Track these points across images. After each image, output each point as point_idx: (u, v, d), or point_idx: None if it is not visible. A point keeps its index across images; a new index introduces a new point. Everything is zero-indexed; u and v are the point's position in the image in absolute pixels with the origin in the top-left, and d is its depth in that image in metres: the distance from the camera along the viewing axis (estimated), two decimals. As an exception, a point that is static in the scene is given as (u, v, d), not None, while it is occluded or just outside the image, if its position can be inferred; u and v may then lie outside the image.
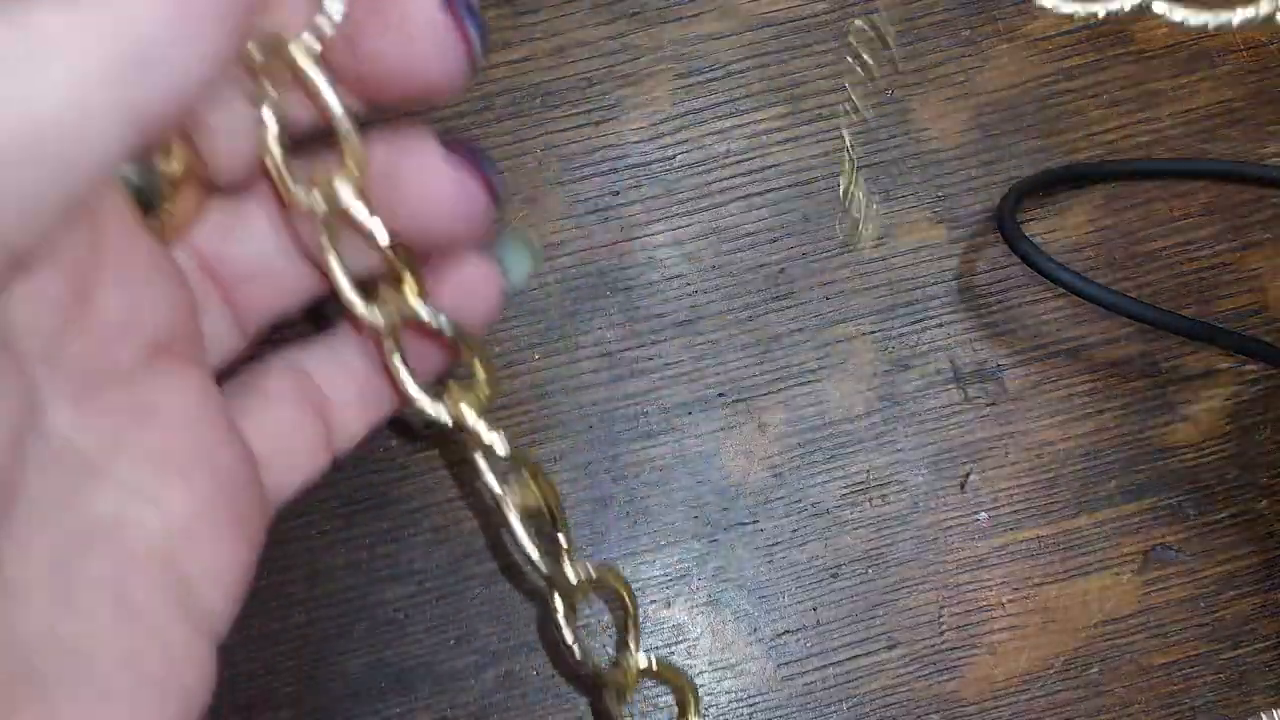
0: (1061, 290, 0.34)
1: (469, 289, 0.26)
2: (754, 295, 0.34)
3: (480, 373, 0.26)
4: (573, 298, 0.34)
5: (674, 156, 0.35)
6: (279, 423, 0.25)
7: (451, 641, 0.32)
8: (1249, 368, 0.34)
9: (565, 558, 0.29)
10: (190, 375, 0.22)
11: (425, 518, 0.33)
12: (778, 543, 0.33)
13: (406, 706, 0.32)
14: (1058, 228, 0.35)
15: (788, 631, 0.32)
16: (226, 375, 0.25)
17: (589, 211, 0.35)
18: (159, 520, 0.21)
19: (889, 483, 0.33)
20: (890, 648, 0.32)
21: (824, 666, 0.32)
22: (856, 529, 0.33)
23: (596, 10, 0.35)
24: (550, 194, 0.35)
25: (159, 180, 0.22)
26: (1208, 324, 0.33)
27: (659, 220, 0.35)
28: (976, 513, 0.33)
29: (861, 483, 0.33)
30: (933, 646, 0.32)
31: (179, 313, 0.22)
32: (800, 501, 0.33)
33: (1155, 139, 0.35)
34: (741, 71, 0.35)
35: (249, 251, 0.24)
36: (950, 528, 0.33)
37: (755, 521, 0.33)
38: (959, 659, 0.32)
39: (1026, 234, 0.32)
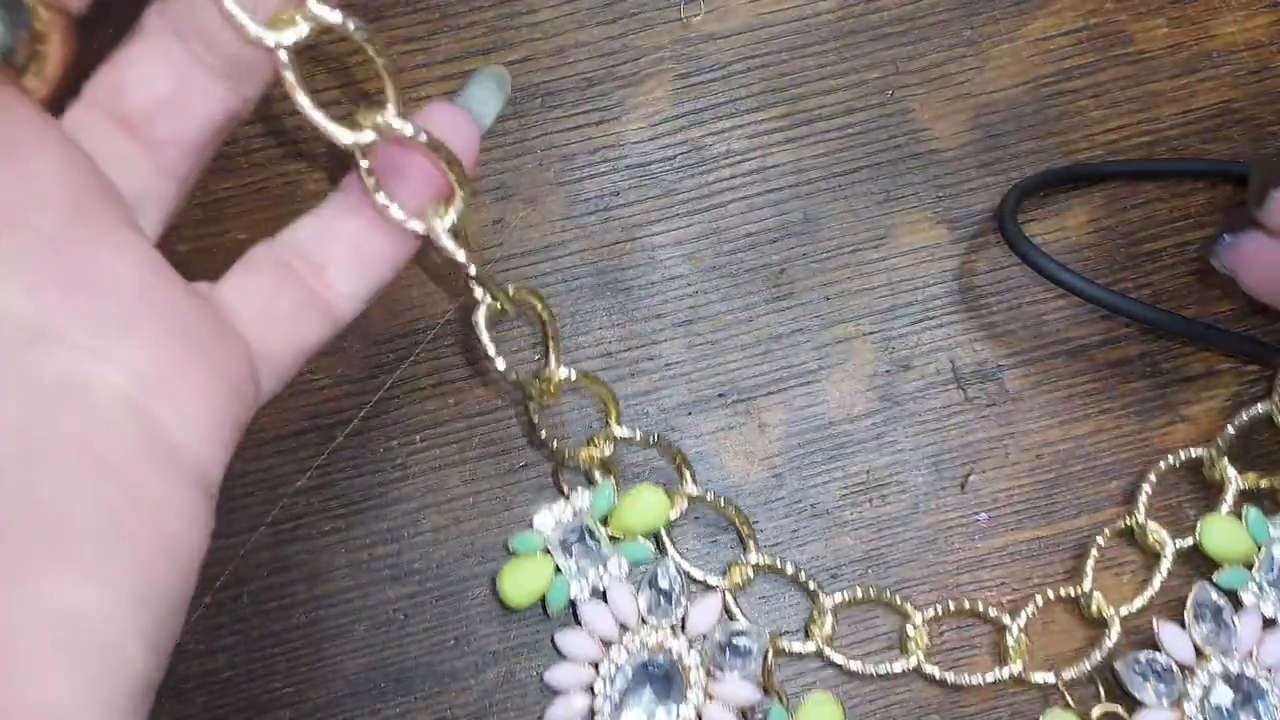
0: (1062, 291, 0.34)
1: (441, 134, 0.26)
2: (754, 295, 0.34)
3: (457, 188, 0.26)
4: (573, 298, 0.34)
5: (674, 156, 0.35)
6: (257, 287, 0.25)
7: (451, 641, 0.32)
8: (1249, 368, 0.34)
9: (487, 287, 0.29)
10: (123, 236, 0.23)
11: (425, 518, 0.33)
12: (778, 543, 0.33)
13: (406, 706, 0.32)
14: (1058, 228, 0.35)
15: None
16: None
17: (589, 211, 0.35)
18: (120, 375, 0.21)
19: (889, 483, 0.33)
20: (890, 647, 0.32)
21: (824, 667, 0.32)
22: (856, 529, 0.33)
23: (596, 10, 0.36)
24: (550, 194, 0.35)
25: (21, 36, 0.23)
26: (1208, 324, 0.33)
27: (659, 220, 0.35)
28: (976, 513, 0.33)
29: (861, 483, 0.33)
30: (933, 646, 0.32)
31: (80, 173, 0.22)
32: (800, 502, 0.33)
33: (1155, 139, 0.35)
34: (741, 71, 0.35)
35: (144, 84, 0.24)
36: (950, 528, 0.33)
37: (755, 522, 0.33)
38: (959, 659, 0.32)
39: (1027, 234, 0.32)
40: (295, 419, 0.33)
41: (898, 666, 0.32)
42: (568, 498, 0.32)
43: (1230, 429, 0.32)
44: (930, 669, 0.32)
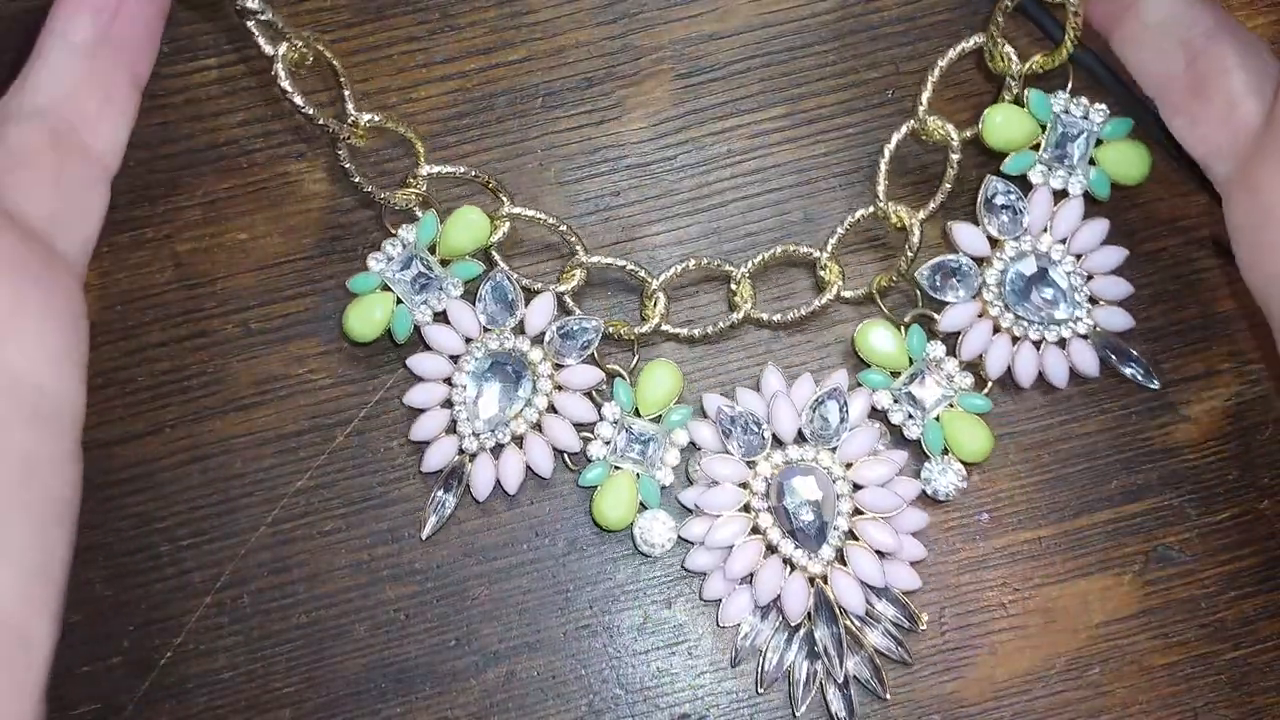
0: (1062, 290, 0.34)
1: None
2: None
3: None
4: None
5: (674, 156, 0.35)
6: (40, 184, 0.25)
7: (451, 641, 0.32)
8: (1250, 367, 0.34)
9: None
10: None
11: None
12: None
13: (406, 706, 0.32)
14: (1058, 228, 0.35)
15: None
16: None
17: (589, 211, 0.35)
18: None
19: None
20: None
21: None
22: None
23: (596, 10, 0.36)
24: (550, 194, 0.35)
25: None
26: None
27: (659, 220, 0.35)
28: (977, 513, 0.33)
29: None
30: (933, 646, 0.32)
31: None
32: (801, 502, 0.33)
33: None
34: (741, 72, 0.35)
35: None
36: (950, 528, 0.33)
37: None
38: (960, 659, 0.32)
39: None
40: (295, 419, 0.33)
41: (734, 319, 0.33)
42: (395, 235, 0.33)
43: (999, 17, 0.32)
44: (759, 314, 0.33)
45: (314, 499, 0.33)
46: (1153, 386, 0.33)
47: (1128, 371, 0.33)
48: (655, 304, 0.33)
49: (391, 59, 0.35)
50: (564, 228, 0.33)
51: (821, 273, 0.33)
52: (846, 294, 0.33)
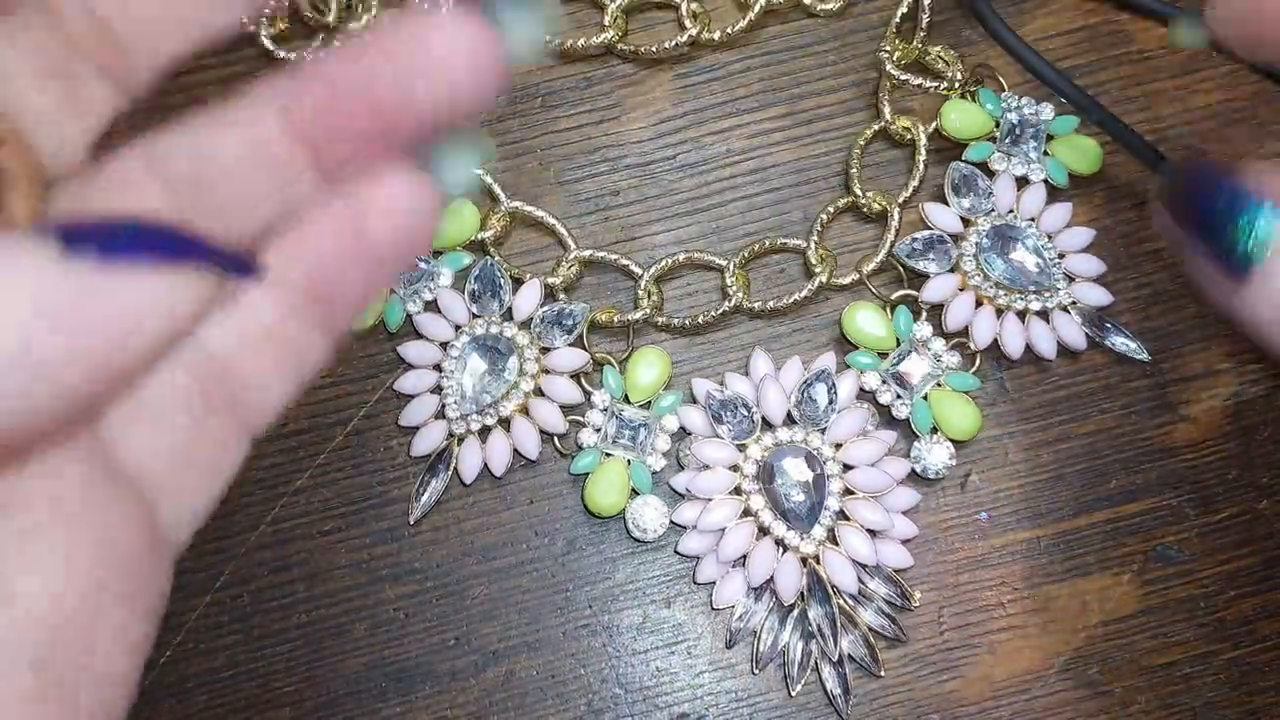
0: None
1: (398, 205, 0.19)
2: (753, 295, 0.34)
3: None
4: (572, 297, 0.34)
5: (674, 156, 0.35)
6: (173, 443, 0.20)
7: (451, 641, 0.32)
8: (1249, 367, 0.34)
9: None
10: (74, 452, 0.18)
11: (425, 518, 0.33)
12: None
13: (406, 706, 0.32)
14: (1058, 228, 0.35)
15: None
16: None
17: (589, 211, 0.35)
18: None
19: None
20: (890, 647, 0.32)
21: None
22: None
23: (596, 11, 0.36)
24: (550, 194, 0.35)
25: None
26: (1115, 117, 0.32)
27: (658, 220, 0.35)
28: (976, 513, 0.33)
29: None
30: (933, 646, 0.32)
31: None
32: (800, 501, 0.33)
33: (1155, 139, 0.35)
34: (741, 71, 0.35)
35: None
36: (950, 528, 0.33)
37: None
38: (959, 659, 0.32)
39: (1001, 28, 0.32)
40: (295, 418, 0.33)
41: (725, 307, 0.33)
42: None
43: (884, 99, 0.35)
44: (752, 304, 0.34)
45: (313, 498, 0.33)
46: (1142, 359, 0.33)
47: (1116, 343, 0.33)
48: (649, 295, 0.34)
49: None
50: (555, 223, 0.33)
51: (810, 261, 0.34)
52: (835, 280, 0.34)
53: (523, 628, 0.32)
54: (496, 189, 0.34)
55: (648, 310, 0.33)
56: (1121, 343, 0.33)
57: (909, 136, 0.35)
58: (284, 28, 0.35)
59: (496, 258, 0.34)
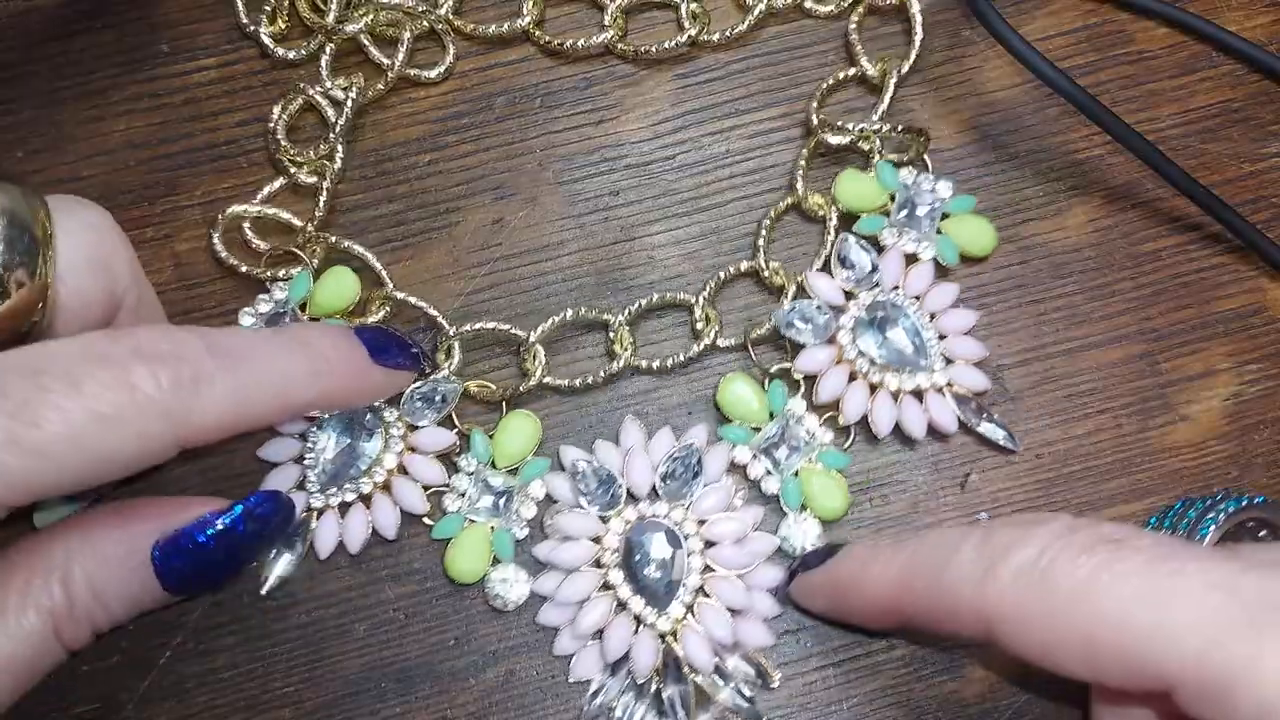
0: (1062, 290, 0.34)
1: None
2: (754, 295, 0.34)
3: None
4: (573, 298, 0.34)
5: (674, 156, 0.35)
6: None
7: (451, 641, 0.32)
8: (1249, 367, 0.34)
9: None
10: None
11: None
12: (778, 543, 0.33)
13: (406, 706, 0.32)
14: (1058, 228, 0.35)
15: (788, 631, 0.32)
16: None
17: (589, 211, 0.35)
18: None
19: (889, 483, 0.33)
20: (890, 648, 0.32)
21: (824, 666, 0.32)
22: (857, 529, 0.33)
23: (595, 11, 0.36)
24: (550, 194, 0.35)
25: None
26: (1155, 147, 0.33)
27: (659, 220, 0.35)
28: (976, 513, 0.33)
29: (861, 483, 0.33)
30: (933, 646, 0.32)
31: None
32: (800, 501, 0.33)
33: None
34: (741, 71, 0.35)
35: None
36: (950, 528, 0.33)
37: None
38: (959, 659, 0.32)
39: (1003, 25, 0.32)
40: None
41: (613, 367, 0.33)
42: (269, 292, 0.33)
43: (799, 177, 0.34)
44: (639, 362, 0.33)
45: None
46: (1014, 449, 0.33)
47: (987, 430, 0.33)
48: (535, 357, 0.33)
49: (391, 59, 0.35)
50: (432, 311, 0.33)
51: (698, 322, 0.33)
52: (721, 342, 0.33)
53: (523, 628, 0.32)
54: (383, 274, 0.33)
55: (534, 378, 0.33)
56: (992, 430, 0.33)
57: (820, 214, 0.34)
58: (284, 26, 0.36)
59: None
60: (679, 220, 0.35)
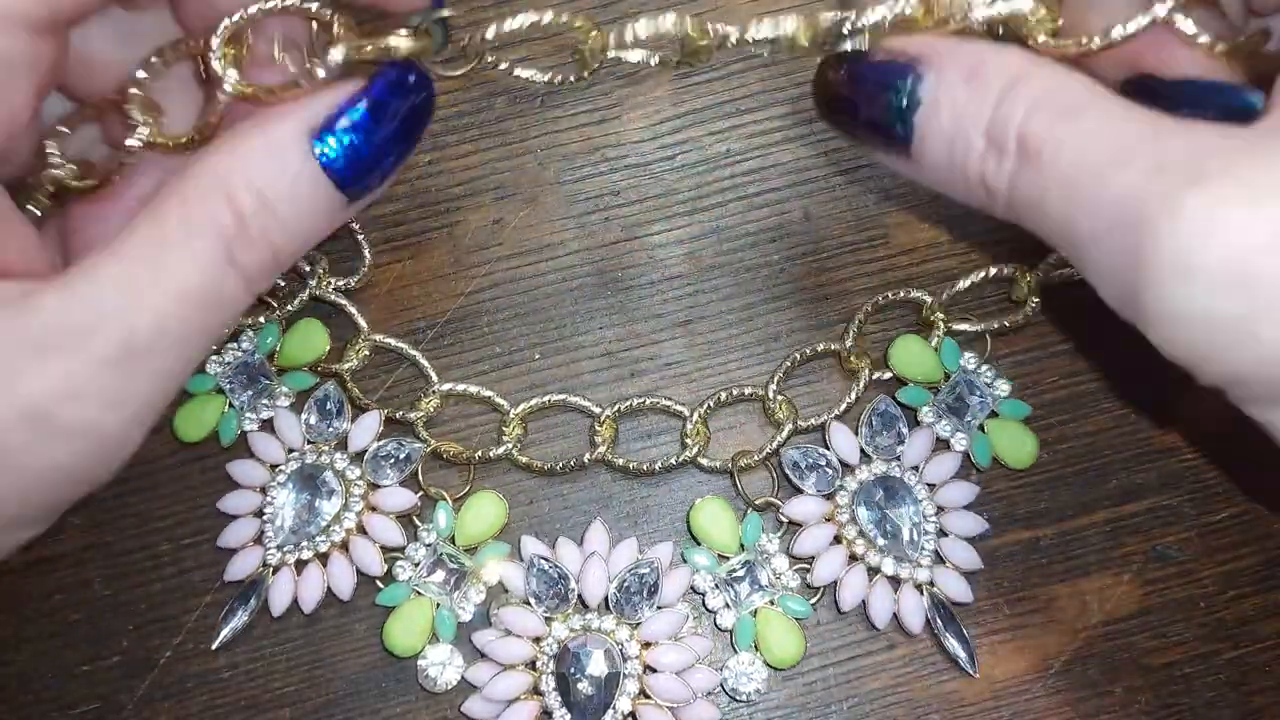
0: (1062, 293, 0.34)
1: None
2: (754, 295, 0.34)
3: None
4: (573, 298, 0.34)
5: (674, 156, 0.35)
6: None
7: (451, 641, 0.32)
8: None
9: None
10: None
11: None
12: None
13: (406, 706, 0.32)
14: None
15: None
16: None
17: (589, 211, 0.35)
18: None
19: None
20: (890, 648, 0.32)
21: (824, 666, 0.32)
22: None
23: (596, 10, 0.36)
24: (550, 194, 0.35)
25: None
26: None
27: (659, 220, 0.35)
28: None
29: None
30: (933, 646, 0.32)
31: None
32: (800, 501, 0.33)
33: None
34: (741, 71, 0.35)
35: None
36: (950, 528, 0.33)
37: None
38: (959, 659, 0.32)
39: None
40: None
41: (586, 458, 0.33)
42: (237, 341, 0.33)
43: (960, 284, 0.34)
44: (615, 459, 0.33)
45: (314, 498, 0.33)
46: (972, 674, 0.32)
47: (950, 644, 0.32)
48: (512, 429, 0.33)
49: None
50: (415, 354, 0.33)
51: (686, 434, 0.33)
52: (704, 461, 0.33)
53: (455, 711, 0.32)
54: (359, 320, 0.33)
55: (508, 446, 0.32)
56: (955, 647, 0.32)
57: (856, 370, 0.33)
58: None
59: (350, 385, 0.33)
60: (679, 220, 0.35)
